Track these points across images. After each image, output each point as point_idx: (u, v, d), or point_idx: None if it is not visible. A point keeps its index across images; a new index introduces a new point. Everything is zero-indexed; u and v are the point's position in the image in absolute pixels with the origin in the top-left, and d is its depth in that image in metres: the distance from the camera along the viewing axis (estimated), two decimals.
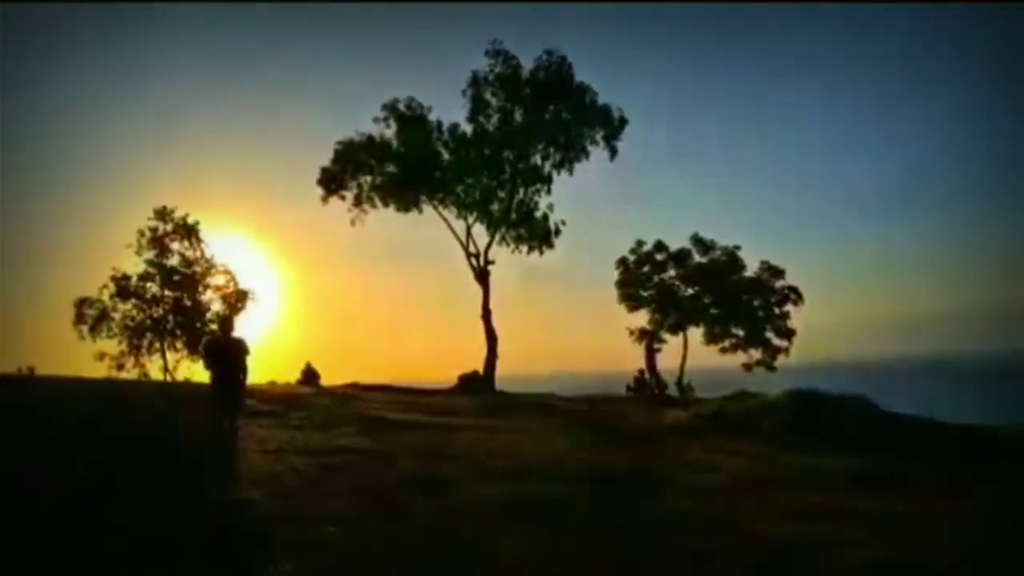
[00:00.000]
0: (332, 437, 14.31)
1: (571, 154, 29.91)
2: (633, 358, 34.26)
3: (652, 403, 25.63)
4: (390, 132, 30.14)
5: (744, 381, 38.43)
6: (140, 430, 13.57)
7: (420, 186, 29.42)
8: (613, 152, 29.78)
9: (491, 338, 30.53)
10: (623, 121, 29.48)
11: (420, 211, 31.06)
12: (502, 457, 12.71)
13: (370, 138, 29.85)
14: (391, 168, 29.75)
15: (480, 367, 30.40)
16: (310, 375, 29.33)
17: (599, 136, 29.51)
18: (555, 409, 22.04)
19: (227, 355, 12.45)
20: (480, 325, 30.81)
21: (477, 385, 28.85)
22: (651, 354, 31.41)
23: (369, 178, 30.33)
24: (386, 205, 30.61)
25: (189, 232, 34.55)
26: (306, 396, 21.58)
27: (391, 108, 30.00)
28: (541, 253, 32.17)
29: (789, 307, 36.28)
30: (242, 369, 12.44)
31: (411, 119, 29.85)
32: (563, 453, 13.85)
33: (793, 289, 36.34)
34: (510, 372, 31.40)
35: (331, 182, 30.34)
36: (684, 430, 18.25)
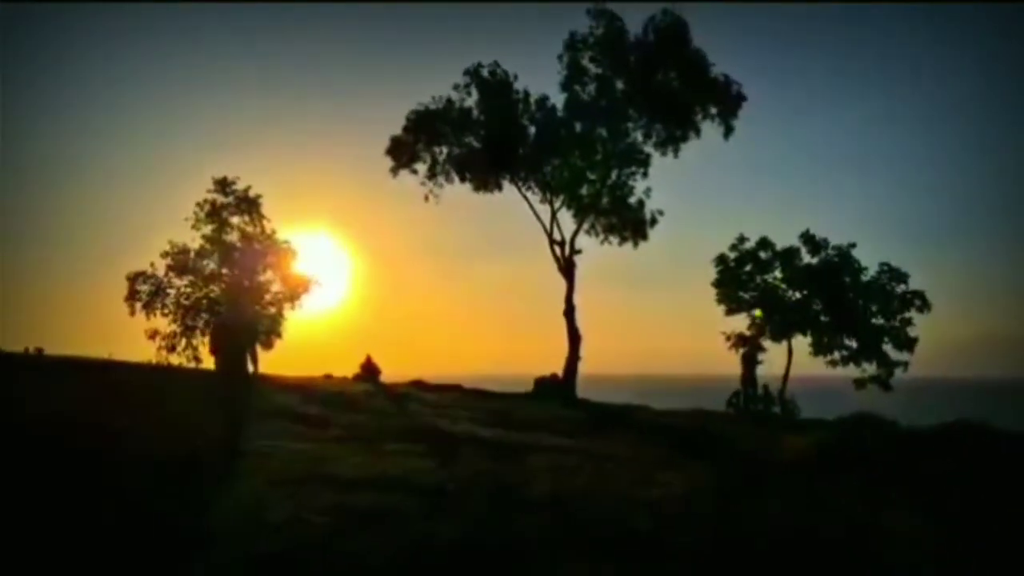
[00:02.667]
0: (377, 458, 11.13)
1: (678, 132, 26.11)
2: (727, 364, 30.36)
3: (759, 423, 21.84)
4: (471, 101, 26.99)
5: (850, 398, 34.35)
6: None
7: (501, 162, 26.09)
8: (728, 129, 25.85)
9: (574, 338, 27.08)
10: (741, 97, 25.59)
11: (500, 188, 27.81)
12: (609, 507, 9.22)
13: (448, 105, 26.76)
14: (470, 140, 26.60)
15: (559, 369, 27.02)
16: (369, 369, 26.44)
17: (713, 111, 25.58)
18: (654, 428, 18.44)
19: (231, 338, 11.29)
20: (562, 322, 27.44)
21: (555, 390, 25.48)
22: (750, 364, 27.29)
23: (445, 149, 27.25)
24: (463, 180, 27.37)
25: (250, 206, 32.12)
26: (359, 395, 18.58)
27: (473, 74, 26.66)
28: (635, 245, 28.57)
29: (912, 314, 31.88)
30: (244, 354, 11.36)
31: (495, 87, 26.54)
32: (688, 500, 10.32)
33: (918, 294, 31.86)
34: (586, 372, 27.91)
35: (402, 153, 27.24)
36: (812, 465, 14.45)
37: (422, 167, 27.31)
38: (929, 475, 13.54)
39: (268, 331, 31.86)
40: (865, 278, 32.26)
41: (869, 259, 32.45)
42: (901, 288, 31.91)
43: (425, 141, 26.70)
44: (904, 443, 15.56)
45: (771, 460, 14.75)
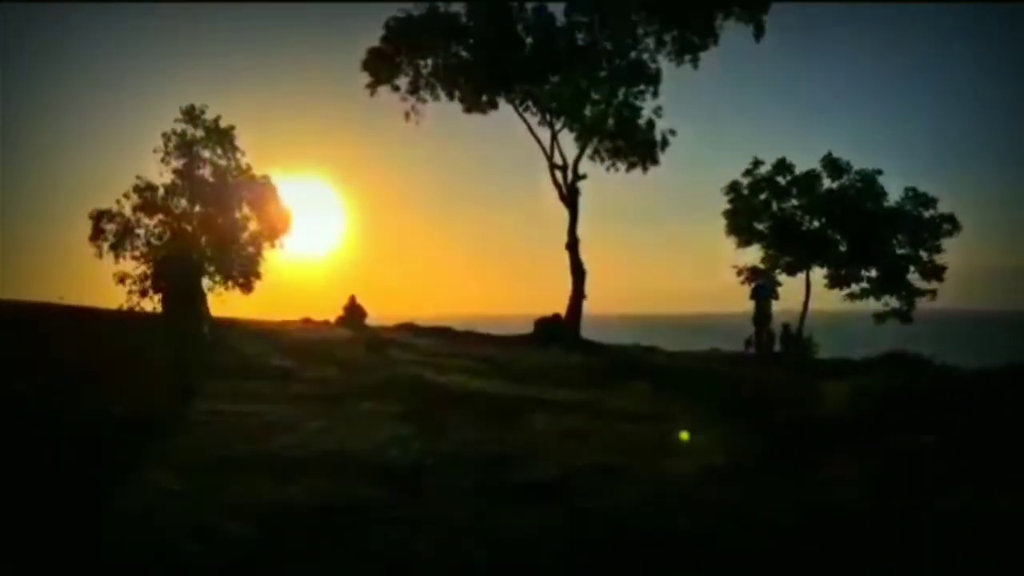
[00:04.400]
0: (341, 426, 8.92)
1: (695, 39, 23.22)
2: (740, 301, 28.14)
3: (785, 366, 19.69)
4: (458, 7, 24.00)
5: (864, 333, 32.34)
6: None
7: (495, 76, 23.28)
8: (759, 30, 22.96)
9: (577, 273, 24.71)
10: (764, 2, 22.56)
11: (495, 107, 25.07)
12: (635, 495, 6.95)
13: (432, 10, 23.75)
14: (458, 51, 23.79)
15: (561, 308, 24.73)
16: (354, 312, 24.14)
17: (737, 8, 22.58)
18: (671, 375, 16.22)
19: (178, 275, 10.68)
20: (564, 257, 25.08)
21: (558, 332, 23.25)
22: (764, 299, 24.61)
23: (430, 61, 24.36)
24: (451, 96, 24.70)
25: (222, 137, 29.46)
26: (337, 343, 16.36)
27: None
28: (644, 170, 25.98)
29: (942, 240, 29.55)
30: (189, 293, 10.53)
31: None
32: (733, 477, 8.05)
33: (947, 217, 29.46)
34: (590, 312, 25.63)
35: (381, 66, 24.29)
36: (869, 421, 12.25)
37: (404, 81, 24.57)
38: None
39: (246, 272, 29.63)
40: (889, 204, 29.96)
41: (894, 187, 30.09)
42: (929, 213, 29.60)
43: (407, 52, 23.84)
44: (965, 387, 13.40)
45: (816, 415, 12.54)
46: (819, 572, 5.22)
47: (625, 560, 5.26)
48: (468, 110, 24.77)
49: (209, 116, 28.94)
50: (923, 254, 30.05)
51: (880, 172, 29.69)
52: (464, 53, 23.54)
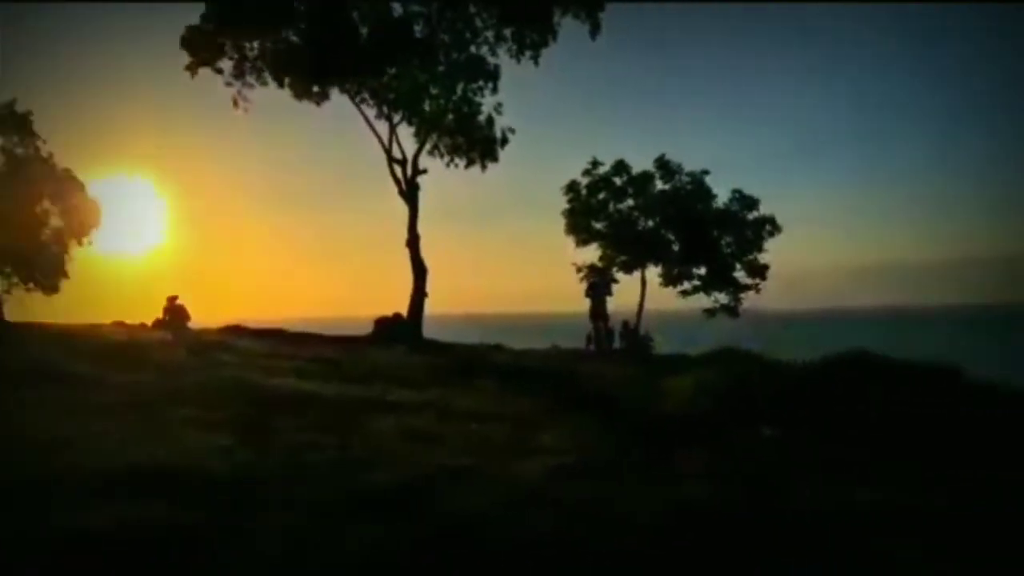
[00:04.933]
0: (150, 437, 7.74)
1: (534, 36, 22.92)
2: (580, 300, 28.54)
3: (626, 362, 19.83)
4: None
5: (703, 328, 33.59)
6: None
7: (327, 65, 22.01)
8: (595, 27, 22.94)
9: (419, 271, 23.86)
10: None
11: (327, 97, 23.76)
12: (488, 497, 6.31)
13: None
14: (288, 34, 22.34)
15: (403, 308, 23.83)
16: (175, 315, 22.23)
17: (574, 6, 22.43)
18: (516, 372, 15.77)
19: None
20: (405, 256, 24.15)
21: (400, 331, 22.36)
22: (600, 297, 24.95)
23: (256, 44, 22.67)
24: (280, 83, 23.13)
25: (18, 123, 26.54)
26: (152, 346, 14.78)
27: None
28: (483, 167, 25.55)
29: (764, 239, 31.29)
30: None
31: None
32: (588, 471, 7.59)
33: (768, 219, 31.21)
34: (432, 312, 24.91)
35: (201, 45, 22.20)
36: (706, 417, 12.26)
37: (228, 65, 22.78)
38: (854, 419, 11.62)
39: (50, 272, 26.81)
40: (717, 205, 31.32)
41: (723, 187, 31.53)
42: (753, 215, 31.19)
43: (231, 32, 22.12)
44: (801, 380, 13.72)
45: (660, 410, 12.43)
46: (680, 571, 4.79)
47: (480, 565, 4.62)
48: (298, 98, 23.37)
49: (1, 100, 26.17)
50: (746, 252, 31.67)
51: (707, 172, 30.93)
52: (294, 38, 22.12)
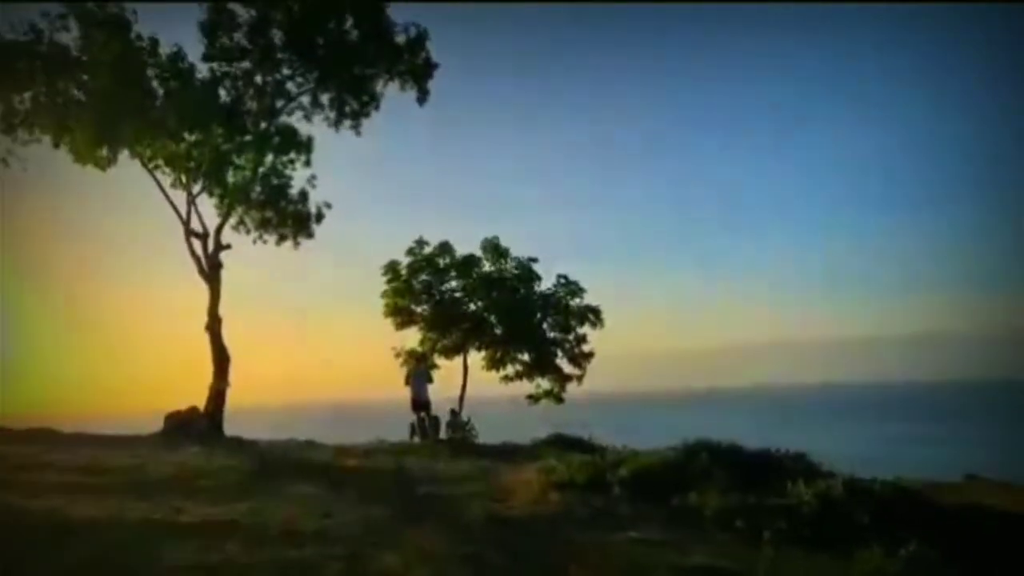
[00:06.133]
0: None
1: (354, 105, 21.36)
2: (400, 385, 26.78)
3: (456, 453, 18.15)
4: (69, 38, 19.34)
5: (527, 415, 32.64)
6: None
7: (114, 128, 19.18)
8: (423, 94, 21.68)
9: (220, 358, 21.02)
10: (429, 64, 21.51)
11: (113, 162, 20.72)
12: None
13: (36, 36, 18.67)
14: (68, 87, 19.32)
15: (200, 401, 20.82)
16: None
17: (401, 71, 21.14)
18: (339, 474, 13.59)
19: None
20: (205, 338, 21.26)
21: (196, 428, 19.40)
22: (421, 385, 23.51)
23: (28, 95, 19.20)
24: (56, 143, 19.86)
25: None
26: None
27: (73, 4, 19.02)
28: (296, 243, 23.40)
29: (587, 329, 30.93)
30: None
31: (105, 25, 19.28)
32: None
33: (592, 309, 31.01)
34: (234, 403, 22.11)
35: None
36: (574, 518, 10.79)
37: None
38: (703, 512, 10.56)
39: None
40: (540, 290, 30.81)
41: (549, 273, 31.08)
42: (575, 302, 30.89)
43: (2, 83, 18.78)
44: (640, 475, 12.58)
45: (514, 512, 10.82)
46: None
47: None
48: (81, 161, 20.26)
49: None
50: (569, 340, 31.12)
51: (535, 260, 30.47)
52: (76, 92, 19.21)
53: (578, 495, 11.42)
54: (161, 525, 8.39)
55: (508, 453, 18.93)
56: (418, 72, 21.16)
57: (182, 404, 21.19)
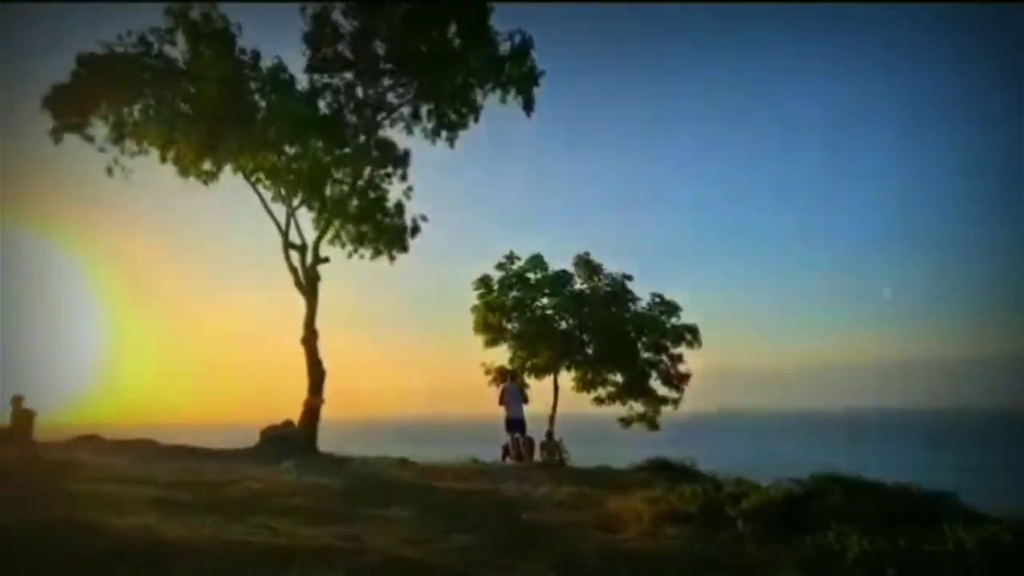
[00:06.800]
0: None
1: (453, 117, 21.08)
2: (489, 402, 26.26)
3: (555, 479, 17.40)
4: (176, 51, 19.83)
5: (620, 437, 31.70)
6: None
7: (220, 140, 19.31)
8: (528, 103, 21.04)
9: (315, 372, 20.91)
10: (534, 72, 20.83)
11: (215, 178, 20.97)
12: None
13: (144, 48, 19.12)
14: (174, 99, 19.38)
15: (295, 414, 20.69)
16: (18, 421, 18.53)
17: (506, 80, 20.53)
18: (433, 497, 13.06)
19: None
20: (301, 351, 21.16)
21: (290, 443, 19.24)
22: (516, 405, 22.67)
23: (137, 107, 19.51)
24: (164, 156, 20.00)
25: None
26: None
27: (179, 16, 19.49)
28: (392, 258, 23.22)
29: (683, 349, 29.69)
30: None
31: (210, 37, 19.65)
32: None
33: (689, 328, 29.76)
34: (326, 416, 21.93)
35: (71, 105, 18.92)
36: (699, 556, 9.92)
37: (102, 128, 19.57)
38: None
39: None
40: (636, 309, 29.82)
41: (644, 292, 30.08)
42: (672, 321, 29.75)
43: (108, 92, 19.05)
44: (764, 508, 11.56)
45: (628, 543, 10.03)
46: None
47: None
48: (184, 175, 20.47)
49: None
50: (664, 361, 29.95)
51: (630, 277, 29.56)
52: (183, 105, 19.46)
53: (694, 530, 10.57)
54: (257, 550, 7.95)
55: (607, 478, 18.06)
56: (523, 81, 20.71)
57: (278, 418, 21.15)
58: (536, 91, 21.01)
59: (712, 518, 10.80)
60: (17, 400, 19.03)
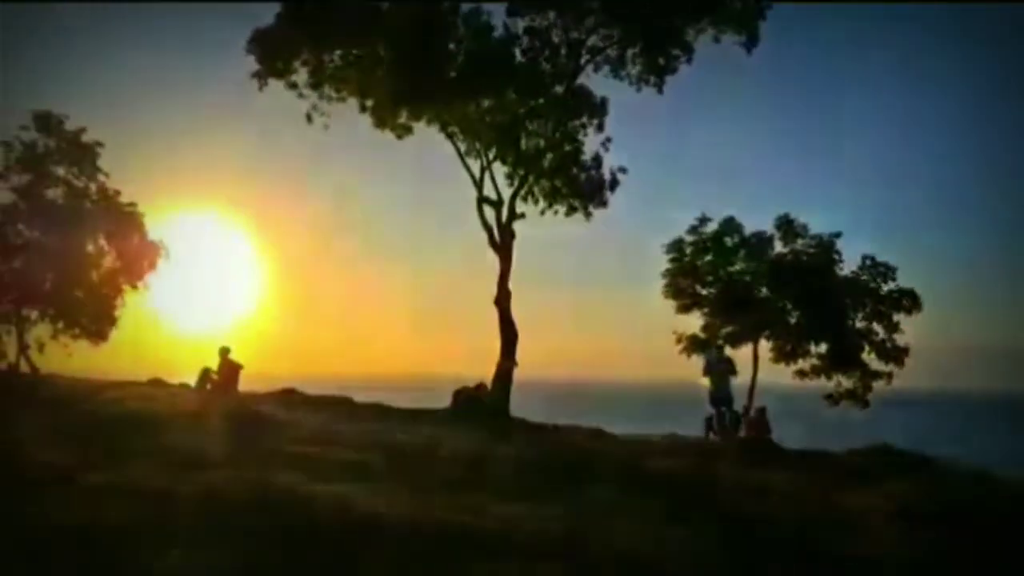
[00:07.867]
0: None
1: (660, 58, 19.47)
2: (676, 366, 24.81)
3: (769, 464, 15.71)
4: None
5: (812, 412, 29.32)
6: None
7: (417, 88, 18.63)
8: (752, 40, 19.19)
9: (508, 334, 20.18)
10: (760, 4, 18.86)
11: (410, 131, 20.48)
12: None
13: None
14: (374, 45, 18.92)
15: (487, 375, 20.09)
16: (225, 372, 19.19)
17: (725, 17, 18.65)
18: (637, 476, 11.92)
19: None
20: (492, 313, 20.53)
21: (482, 407, 18.65)
22: (723, 377, 20.66)
23: (337, 54, 19.24)
24: (362, 106, 19.75)
25: (83, 153, 24.28)
26: (171, 421, 11.55)
27: None
28: (587, 214, 22.05)
29: (900, 317, 26.51)
30: None
31: None
32: None
33: (907, 293, 26.48)
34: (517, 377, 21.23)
35: (273, 50, 18.90)
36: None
37: (303, 74, 19.48)
38: None
39: (97, 316, 24.11)
40: (843, 272, 27.02)
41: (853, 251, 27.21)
42: (888, 286, 26.70)
43: (309, 37, 18.86)
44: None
45: (872, 548, 8.45)
46: None
47: None
48: (380, 126, 20.19)
49: (70, 127, 24.12)
50: (879, 331, 27.03)
51: (839, 235, 26.80)
52: (382, 51, 19.02)
53: (948, 532, 8.82)
54: (465, 532, 7.10)
55: (822, 463, 16.20)
56: (748, 15, 18.77)
57: (471, 369, 20.73)
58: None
59: (958, 518, 9.00)
60: (224, 352, 19.70)
